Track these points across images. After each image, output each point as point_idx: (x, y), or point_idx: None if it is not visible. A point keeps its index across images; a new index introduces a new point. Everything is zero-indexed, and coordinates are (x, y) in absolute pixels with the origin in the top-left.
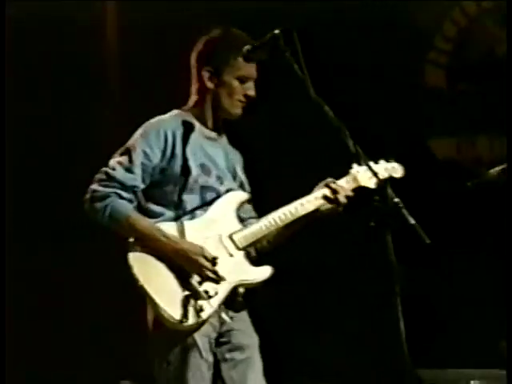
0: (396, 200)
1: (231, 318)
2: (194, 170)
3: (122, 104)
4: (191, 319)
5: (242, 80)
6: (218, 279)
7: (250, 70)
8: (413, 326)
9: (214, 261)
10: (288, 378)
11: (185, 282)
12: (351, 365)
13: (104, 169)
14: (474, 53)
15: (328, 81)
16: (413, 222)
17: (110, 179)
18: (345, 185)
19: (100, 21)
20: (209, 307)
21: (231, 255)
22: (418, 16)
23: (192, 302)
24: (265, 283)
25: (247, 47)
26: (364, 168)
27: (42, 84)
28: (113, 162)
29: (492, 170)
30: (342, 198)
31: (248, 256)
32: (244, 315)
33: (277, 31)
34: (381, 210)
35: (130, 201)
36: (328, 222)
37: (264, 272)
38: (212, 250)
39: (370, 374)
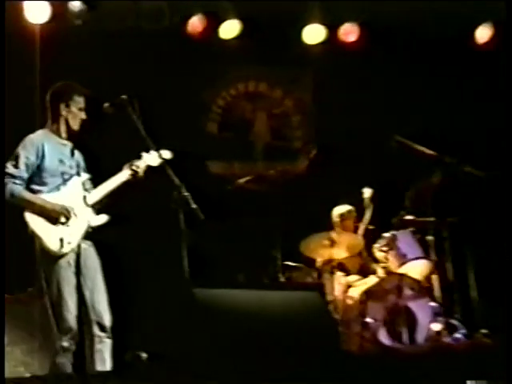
0: (178, 183)
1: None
2: (55, 163)
3: None
4: (64, 248)
5: (80, 110)
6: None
7: (83, 104)
8: None
9: (69, 212)
10: None
11: (57, 226)
12: None
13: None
14: (235, 115)
15: None
16: (195, 206)
17: (7, 174)
18: (140, 164)
19: None
20: (73, 241)
21: (83, 209)
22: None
23: (63, 238)
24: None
25: (106, 104)
26: (151, 153)
27: None
28: (7, 163)
29: (241, 180)
30: (140, 172)
31: (94, 209)
32: (91, 249)
33: (124, 96)
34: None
35: (21, 185)
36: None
37: (102, 218)
38: (72, 206)
39: None
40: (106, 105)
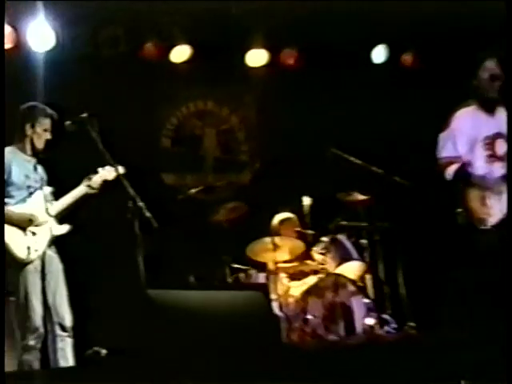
0: (132, 194)
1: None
2: (21, 178)
3: None
4: (31, 255)
5: (45, 130)
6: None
7: (48, 125)
8: None
9: (33, 220)
10: None
11: (25, 235)
12: None
13: None
14: (186, 131)
15: None
16: (149, 215)
17: None
18: (96, 179)
19: None
20: (39, 248)
21: (47, 219)
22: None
23: (30, 246)
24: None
25: (68, 122)
26: (107, 168)
27: None
28: None
29: (192, 190)
30: (96, 186)
31: (56, 220)
32: (55, 256)
33: (84, 115)
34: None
35: None
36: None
37: (64, 228)
38: (37, 217)
39: None
40: (68, 123)
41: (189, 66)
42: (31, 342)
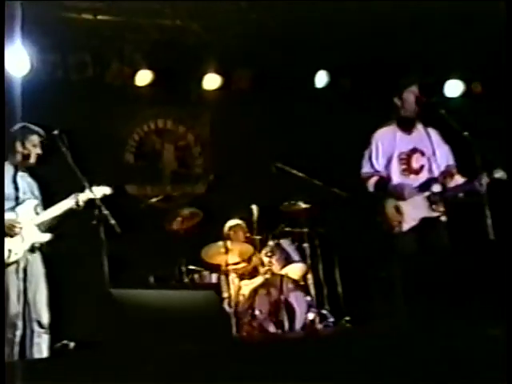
0: (98, 203)
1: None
2: (11, 190)
3: None
4: (11, 258)
5: (34, 146)
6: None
7: (37, 141)
8: None
9: (15, 226)
10: None
11: (7, 240)
12: None
13: None
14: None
15: None
16: (113, 221)
17: None
18: (83, 197)
19: None
20: (19, 252)
21: (31, 228)
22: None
23: (11, 249)
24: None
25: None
26: (94, 188)
27: None
28: None
29: (152, 199)
30: (82, 203)
31: (40, 228)
32: (38, 258)
33: (56, 132)
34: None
35: None
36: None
37: (46, 236)
38: (21, 224)
39: None
40: (42, 136)
41: (150, 88)
42: (9, 335)
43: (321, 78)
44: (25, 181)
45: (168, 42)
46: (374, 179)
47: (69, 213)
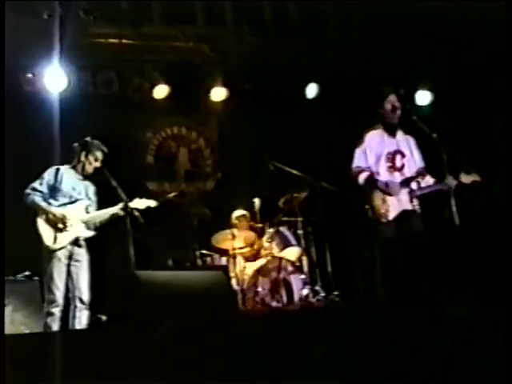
0: (125, 198)
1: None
2: (68, 188)
3: None
4: (56, 246)
5: (96, 160)
6: (67, 228)
7: (99, 157)
8: None
9: (64, 221)
10: None
11: (55, 230)
12: None
13: (31, 184)
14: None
15: None
16: (137, 213)
17: (31, 188)
18: (129, 205)
19: None
20: (63, 242)
21: (78, 224)
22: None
23: (57, 239)
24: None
25: (75, 144)
26: (140, 200)
27: None
28: (36, 181)
29: (169, 195)
30: (123, 212)
31: (87, 225)
32: (83, 250)
33: (88, 138)
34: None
35: (40, 196)
36: None
37: (90, 233)
38: (72, 219)
39: None
40: (75, 144)
41: (166, 100)
42: (52, 310)
43: (311, 90)
44: (82, 183)
45: (181, 61)
46: (365, 174)
47: (114, 217)
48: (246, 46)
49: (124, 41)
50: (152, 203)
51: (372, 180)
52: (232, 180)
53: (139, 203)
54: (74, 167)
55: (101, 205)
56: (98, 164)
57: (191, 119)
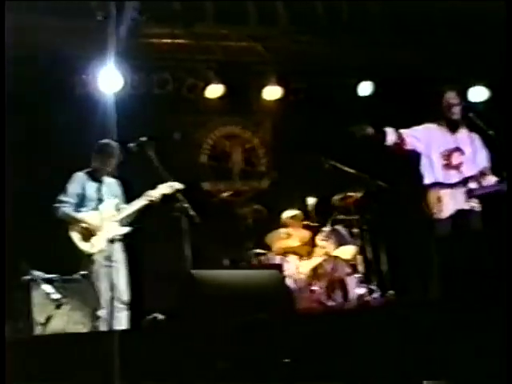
0: (180, 198)
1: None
2: (93, 192)
3: None
4: (93, 250)
5: (113, 158)
6: (101, 230)
7: (115, 157)
8: None
9: (95, 230)
10: None
11: (89, 234)
12: None
13: (58, 197)
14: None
15: None
16: (193, 213)
17: (59, 201)
18: (156, 193)
19: None
20: (101, 245)
21: (112, 223)
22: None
23: (93, 243)
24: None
25: (131, 144)
26: (166, 184)
27: None
28: (61, 194)
29: (224, 194)
30: (156, 199)
31: (120, 223)
32: (119, 248)
33: (144, 138)
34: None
35: (69, 207)
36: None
37: (125, 229)
38: (104, 220)
39: None
40: (131, 144)
41: (220, 100)
42: (99, 313)
43: (365, 88)
44: (106, 183)
45: (234, 61)
46: (396, 138)
47: (144, 208)
48: (299, 45)
49: (177, 41)
50: (178, 186)
51: (400, 149)
52: (286, 179)
53: (165, 188)
54: (95, 169)
55: (127, 200)
56: (113, 164)
57: (245, 118)
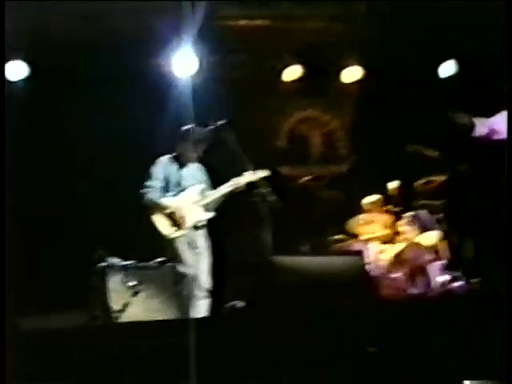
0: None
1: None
2: (177, 177)
3: None
4: (175, 234)
5: (199, 144)
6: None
7: (202, 142)
8: None
9: (179, 219)
10: None
11: (171, 219)
12: None
13: (144, 183)
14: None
15: None
16: (274, 198)
17: (145, 186)
18: (241, 180)
19: None
20: (185, 228)
21: (197, 208)
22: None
23: (175, 227)
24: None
25: (210, 127)
26: (249, 172)
27: None
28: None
29: (303, 179)
30: (242, 186)
31: (205, 208)
32: (202, 234)
33: (222, 122)
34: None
35: (154, 192)
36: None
37: (209, 215)
38: (188, 205)
39: None
40: (210, 127)
41: (298, 83)
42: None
43: (447, 69)
44: (190, 170)
45: (313, 42)
46: (485, 131)
47: (230, 194)
48: (379, 26)
49: (254, 22)
50: (265, 173)
51: (488, 139)
52: (367, 163)
53: (251, 175)
54: (180, 154)
55: (212, 186)
56: (201, 150)
57: (324, 101)
